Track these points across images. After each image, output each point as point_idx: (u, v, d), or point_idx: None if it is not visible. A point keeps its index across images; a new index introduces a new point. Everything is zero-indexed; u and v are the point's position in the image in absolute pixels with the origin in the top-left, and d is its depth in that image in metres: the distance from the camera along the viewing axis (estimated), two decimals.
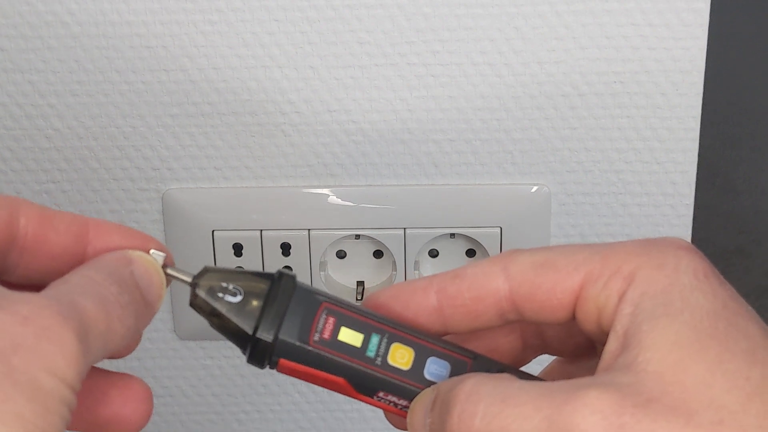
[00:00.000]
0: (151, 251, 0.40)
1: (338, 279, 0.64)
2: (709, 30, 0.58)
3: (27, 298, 0.34)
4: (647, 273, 0.37)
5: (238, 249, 0.63)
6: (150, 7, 0.58)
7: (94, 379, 0.39)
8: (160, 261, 0.40)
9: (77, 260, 0.39)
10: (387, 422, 0.42)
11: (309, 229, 0.62)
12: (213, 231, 0.62)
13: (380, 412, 0.42)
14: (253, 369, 0.68)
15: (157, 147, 0.62)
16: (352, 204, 0.62)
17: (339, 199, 0.62)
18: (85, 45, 0.59)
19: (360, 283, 0.64)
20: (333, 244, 0.63)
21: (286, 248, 0.62)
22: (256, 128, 0.61)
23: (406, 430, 0.42)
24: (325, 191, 0.62)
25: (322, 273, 0.64)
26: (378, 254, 0.64)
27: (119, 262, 0.38)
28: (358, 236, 0.63)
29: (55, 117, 0.61)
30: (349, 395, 0.41)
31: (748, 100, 0.65)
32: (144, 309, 0.38)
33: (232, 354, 0.68)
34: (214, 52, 0.59)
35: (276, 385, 0.68)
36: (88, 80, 0.60)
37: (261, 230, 0.62)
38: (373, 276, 0.64)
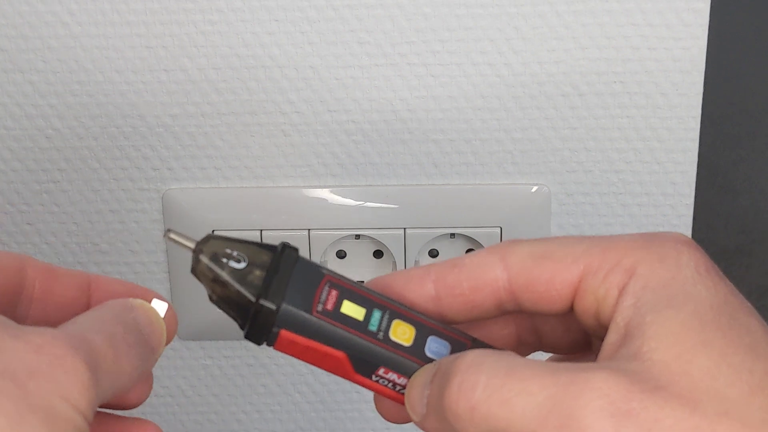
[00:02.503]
0: (153, 300, 0.40)
1: None
2: (709, 30, 0.58)
3: (40, 330, 0.35)
4: (648, 266, 0.37)
5: None
6: (150, 7, 0.58)
7: (108, 425, 0.40)
8: (162, 311, 0.40)
9: (82, 311, 0.40)
10: (387, 423, 0.42)
11: (309, 229, 0.62)
12: (213, 231, 0.62)
13: None
14: (253, 369, 0.68)
15: (157, 147, 0.62)
16: (352, 204, 0.62)
17: (339, 199, 0.62)
18: (85, 45, 0.59)
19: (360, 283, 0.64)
20: (333, 244, 0.63)
21: None
22: (256, 128, 0.61)
23: (396, 421, 0.42)
24: (325, 191, 0.62)
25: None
26: (378, 254, 0.64)
27: (122, 308, 0.39)
28: (358, 236, 0.63)
29: (55, 117, 0.61)
30: (346, 375, 0.40)
31: (748, 100, 0.65)
32: (148, 353, 0.39)
33: (232, 354, 0.68)
34: (214, 52, 0.59)
35: (276, 385, 0.68)
36: (88, 80, 0.60)
37: (261, 230, 0.62)
38: (373, 276, 0.64)
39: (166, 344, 0.40)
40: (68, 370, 0.34)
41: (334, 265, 0.64)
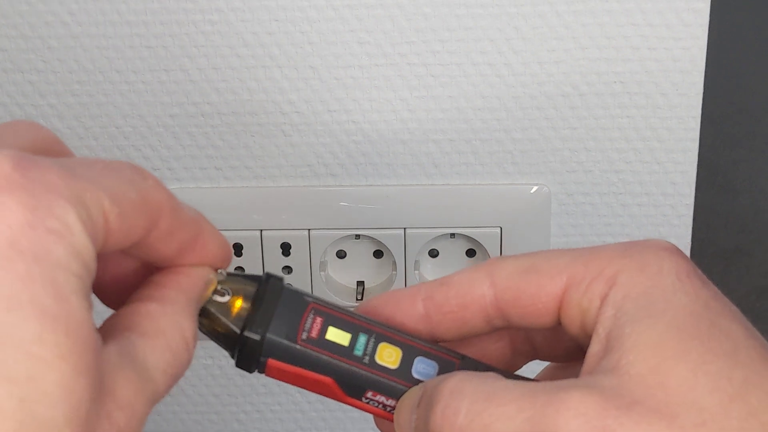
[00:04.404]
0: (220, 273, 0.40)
1: (338, 279, 0.64)
2: (709, 30, 0.58)
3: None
4: (629, 275, 0.37)
5: (238, 249, 0.63)
6: (150, 7, 0.58)
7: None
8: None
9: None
10: None
11: (309, 229, 0.62)
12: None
13: None
14: None
15: (158, 147, 0.62)
16: (352, 204, 0.62)
17: (339, 199, 0.62)
18: (85, 45, 0.59)
19: (360, 283, 0.64)
20: (333, 244, 0.63)
21: (286, 248, 0.63)
22: (256, 128, 0.61)
23: None
24: (325, 191, 0.62)
25: (322, 273, 0.64)
26: (378, 254, 0.64)
27: (202, 288, 0.38)
28: (358, 236, 0.63)
29: (55, 117, 0.61)
30: (338, 398, 0.41)
31: (748, 100, 0.65)
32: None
33: None
34: (214, 52, 0.59)
35: (276, 385, 0.68)
36: (88, 80, 0.60)
37: (261, 230, 0.62)
38: (373, 276, 0.64)
39: None
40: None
41: (334, 265, 0.64)
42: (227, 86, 0.60)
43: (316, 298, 0.41)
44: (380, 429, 0.43)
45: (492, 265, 0.40)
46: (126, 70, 0.60)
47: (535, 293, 0.39)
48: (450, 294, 0.41)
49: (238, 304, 0.40)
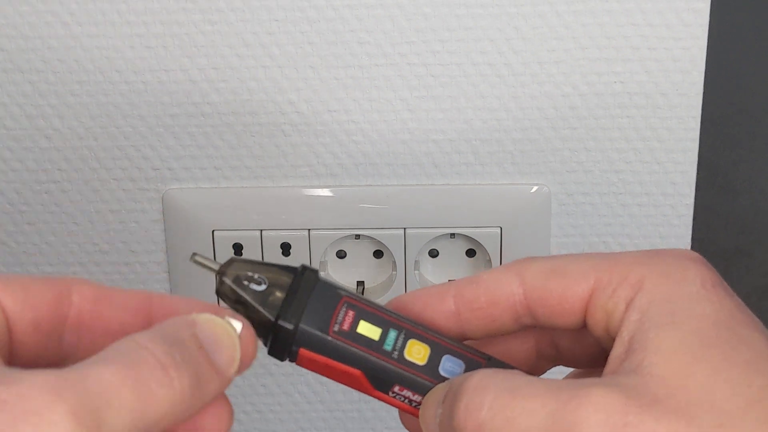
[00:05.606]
0: (225, 317, 0.38)
1: (338, 279, 0.64)
2: (709, 30, 0.58)
3: (18, 378, 0.32)
4: (655, 281, 0.38)
5: (238, 249, 0.63)
6: (150, 7, 0.58)
7: None
8: (238, 329, 0.38)
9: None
10: (386, 422, 0.43)
11: (309, 229, 0.62)
12: (213, 231, 0.62)
13: (380, 412, 0.42)
14: (254, 369, 0.68)
15: (158, 147, 0.62)
16: (352, 204, 0.62)
17: (339, 199, 0.62)
18: (85, 45, 0.59)
19: (360, 283, 0.64)
20: (333, 244, 0.63)
21: (286, 248, 0.63)
22: (256, 128, 0.61)
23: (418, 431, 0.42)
24: (325, 191, 0.62)
25: (322, 273, 0.64)
26: (378, 254, 0.64)
27: (180, 325, 0.36)
28: (358, 236, 0.63)
29: (56, 117, 0.61)
30: (365, 391, 0.41)
31: (748, 100, 0.65)
32: (210, 373, 0.36)
33: None
34: (214, 52, 0.59)
35: (276, 385, 0.68)
36: (88, 80, 0.60)
37: (261, 230, 0.62)
38: (373, 276, 0.64)
39: (243, 368, 0.37)
40: (39, 425, 0.31)
41: (334, 265, 0.64)
42: (227, 86, 0.60)
43: (350, 292, 0.42)
44: (404, 424, 0.43)
45: (521, 265, 0.41)
46: (126, 70, 0.60)
47: (562, 294, 0.40)
48: (480, 291, 0.41)
49: (274, 293, 0.41)
